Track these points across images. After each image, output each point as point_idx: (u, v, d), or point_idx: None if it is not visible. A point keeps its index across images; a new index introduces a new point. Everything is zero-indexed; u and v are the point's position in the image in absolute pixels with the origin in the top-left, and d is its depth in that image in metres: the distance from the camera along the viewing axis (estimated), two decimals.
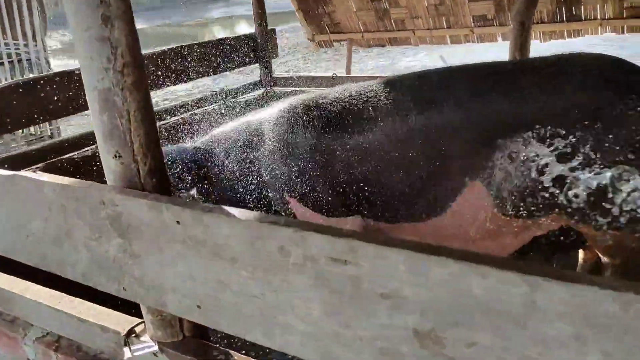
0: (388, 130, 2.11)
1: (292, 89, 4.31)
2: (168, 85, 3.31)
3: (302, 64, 12.50)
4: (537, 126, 1.96)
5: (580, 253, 2.61)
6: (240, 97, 4.00)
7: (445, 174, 2.06)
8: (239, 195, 2.36)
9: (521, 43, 3.25)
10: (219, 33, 22.61)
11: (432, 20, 4.49)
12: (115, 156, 1.01)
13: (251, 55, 4.14)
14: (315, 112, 2.24)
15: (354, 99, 2.25)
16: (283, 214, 2.31)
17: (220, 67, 3.70)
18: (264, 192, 2.34)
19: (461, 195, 2.09)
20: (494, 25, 4.22)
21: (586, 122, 1.94)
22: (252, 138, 2.37)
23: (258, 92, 4.26)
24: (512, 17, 3.24)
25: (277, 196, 2.29)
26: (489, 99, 2.03)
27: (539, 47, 3.65)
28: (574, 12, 3.90)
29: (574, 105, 1.94)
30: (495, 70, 2.14)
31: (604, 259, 2.46)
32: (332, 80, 4.19)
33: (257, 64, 4.28)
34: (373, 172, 2.14)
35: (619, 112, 1.92)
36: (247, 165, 2.35)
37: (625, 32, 3.79)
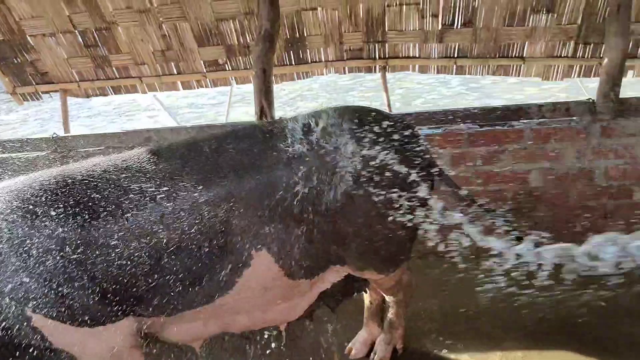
0: (155, 211, 1.79)
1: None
2: None
3: None
4: (310, 185, 1.90)
5: (366, 297, 2.65)
6: None
7: (228, 249, 1.86)
8: None
9: (265, 89, 3.20)
10: None
11: (160, 67, 4.16)
12: None
13: None
14: (61, 198, 1.78)
15: (109, 176, 1.86)
16: (26, 336, 1.76)
17: None
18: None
19: (248, 268, 1.91)
20: (226, 70, 4.12)
21: (356, 174, 1.93)
22: None
23: None
24: (252, 65, 3.17)
25: (14, 316, 1.74)
26: (261, 164, 1.88)
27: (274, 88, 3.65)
28: (300, 56, 4.06)
29: (339, 159, 1.92)
30: (260, 134, 2.00)
31: (388, 298, 2.54)
32: (54, 142, 3.52)
33: None
34: (142, 261, 1.79)
35: (382, 160, 1.98)
36: None
37: (347, 72, 4.10)
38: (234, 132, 1.98)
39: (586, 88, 4.66)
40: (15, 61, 4.20)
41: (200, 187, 1.81)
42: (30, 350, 1.81)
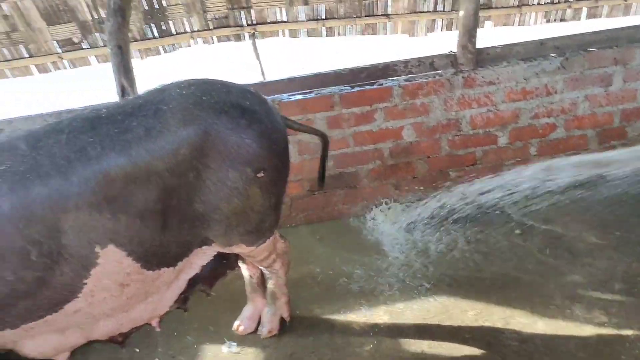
0: None
1: None
2: None
3: None
4: (157, 167, 1.78)
5: (245, 271, 2.60)
6: None
7: (65, 252, 1.69)
8: None
9: (124, 67, 3.00)
10: None
11: (7, 51, 3.78)
12: None
13: None
14: None
15: None
16: None
17: None
18: None
19: (96, 267, 1.76)
20: (83, 49, 3.82)
21: (202, 154, 1.84)
22: None
23: None
24: (107, 42, 2.94)
25: None
26: (93, 153, 1.70)
27: (141, 65, 3.45)
28: (163, 28, 3.84)
29: (185, 140, 1.81)
30: (95, 120, 1.80)
31: (264, 270, 2.50)
32: None
33: None
34: None
35: (232, 135, 1.89)
36: None
37: (215, 42, 3.95)
38: (60, 123, 1.79)
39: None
40: None
41: (16, 191, 1.62)
42: None
